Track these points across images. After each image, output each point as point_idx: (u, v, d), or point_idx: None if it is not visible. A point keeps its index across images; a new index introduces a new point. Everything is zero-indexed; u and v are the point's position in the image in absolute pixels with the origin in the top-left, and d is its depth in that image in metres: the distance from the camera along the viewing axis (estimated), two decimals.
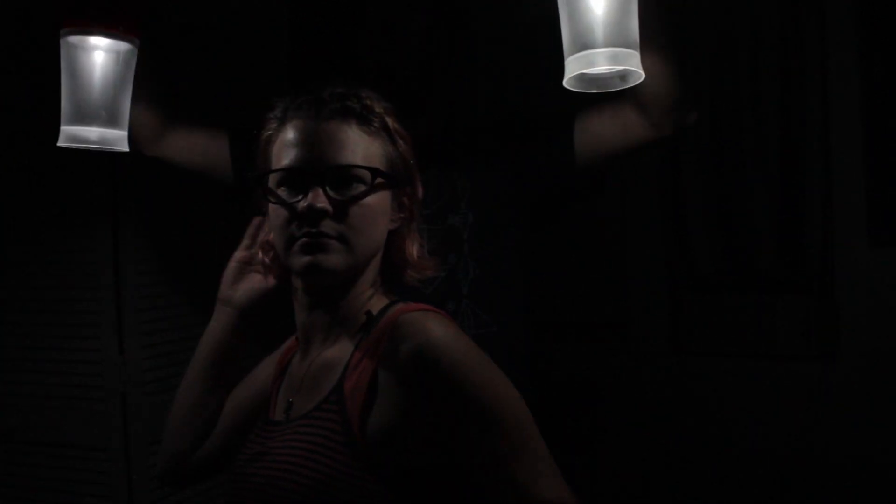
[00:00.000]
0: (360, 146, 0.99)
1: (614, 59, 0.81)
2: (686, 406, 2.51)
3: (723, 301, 2.55)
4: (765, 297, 2.48)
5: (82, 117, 1.12)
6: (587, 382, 2.60)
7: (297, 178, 0.98)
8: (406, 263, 1.06)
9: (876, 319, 2.29)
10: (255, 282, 1.13)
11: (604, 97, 1.19)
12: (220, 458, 1.13)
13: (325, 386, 0.98)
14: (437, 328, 0.93)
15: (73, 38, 1.11)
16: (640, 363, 2.60)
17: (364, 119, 1.00)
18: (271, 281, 1.12)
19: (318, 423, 0.95)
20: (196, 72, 1.90)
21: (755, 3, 2.46)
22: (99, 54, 1.11)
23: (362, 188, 0.98)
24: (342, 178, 0.97)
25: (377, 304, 1.02)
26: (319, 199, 0.95)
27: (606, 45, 0.81)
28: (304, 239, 0.96)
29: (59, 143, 1.12)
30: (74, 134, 1.12)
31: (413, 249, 1.06)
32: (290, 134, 1.00)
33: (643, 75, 0.84)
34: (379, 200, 1.00)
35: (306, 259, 0.96)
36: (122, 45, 1.13)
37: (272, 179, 1.00)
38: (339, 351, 1.00)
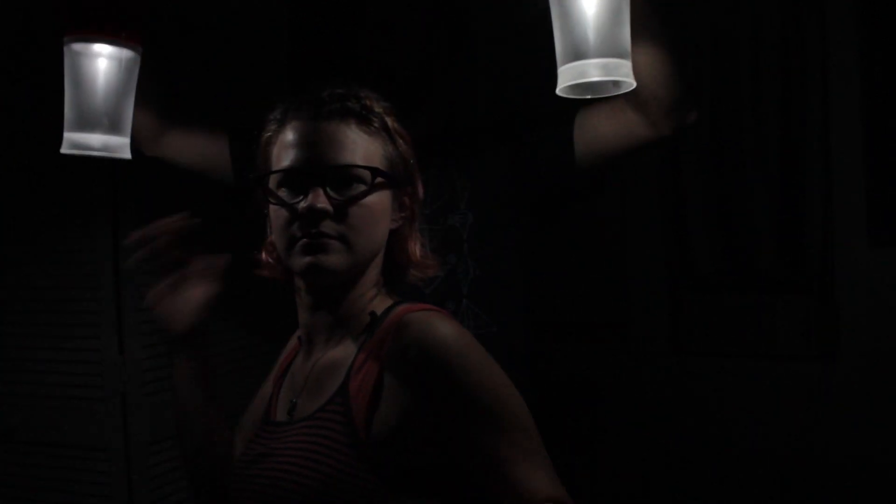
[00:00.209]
0: (359, 146, 0.99)
1: (605, 70, 0.81)
2: (686, 406, 2.51)
3: (723, 301, 2.55)
4: (765, 297, 2.48)
5: (85, 124, 1.12)
6: (587, 382, 2.60)
7: (298, 178, 0.98)
8: (409, 263, 1.06)
9: (876, 319, 2.29)
10: (188, 302, 1.07)
11: (603, 97, 1.19)
12: None
13: (329, 387, 0.98)
14: (442, 328, 0.94)
15: (77, 46, 1.11)
16: (640, 363, 2.60)
17: (364, 119, 1.00)
18: (202, 288, 1.07)
19: (323, 424, 0.95)
20: (196, 72, 1.90)
21: (756, 3, 2.46)
22: (102, 61, 1.11)
23: (362, 188, 0.98)
24: (342, 178, 0.97)
25: (381, 304, 1.02)
26: (320, 199, 0.95)
27: (597, 55, 0.81)
28: (304, 240, 0.96)
29: (63, 150, 1.12)
30: (77, 140, 1.12)
31: (415, 249, 1.06)
32: (289, 135, 1.00)
33: (634, 84, 0.84)
34: (379, 200, 1.00)
35: (307, 259, 0.96)
36: (125, 53, 1.13)
37: (272, 180, 1.00)
38: (343, 352, 1.00)
